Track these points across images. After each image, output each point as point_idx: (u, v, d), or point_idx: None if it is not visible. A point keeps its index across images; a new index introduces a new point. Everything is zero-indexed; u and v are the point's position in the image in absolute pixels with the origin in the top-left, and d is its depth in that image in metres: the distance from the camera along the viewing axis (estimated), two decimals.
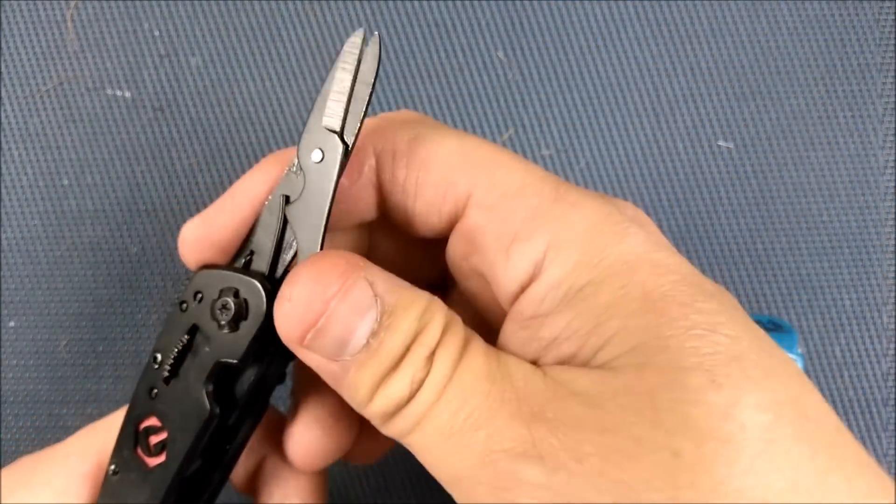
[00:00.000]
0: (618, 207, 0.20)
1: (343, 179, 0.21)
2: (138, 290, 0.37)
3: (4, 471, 0.24)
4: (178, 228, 0.37)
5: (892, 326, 0.37)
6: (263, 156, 0.37)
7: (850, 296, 0.37)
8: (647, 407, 0.16)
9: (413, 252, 0.24)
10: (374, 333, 0.18)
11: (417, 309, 0.18)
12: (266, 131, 0.37)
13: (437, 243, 0.22)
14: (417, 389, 0.18)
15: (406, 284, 0.19)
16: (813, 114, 0.38)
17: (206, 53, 0.38)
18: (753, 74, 0.38)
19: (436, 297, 0.19)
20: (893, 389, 0.37)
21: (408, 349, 0.18)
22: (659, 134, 0.38)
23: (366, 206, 0.22)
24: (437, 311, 0.18)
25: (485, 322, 0.22)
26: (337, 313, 0.18)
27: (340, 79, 0.20)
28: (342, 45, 0.20)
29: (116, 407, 0.24)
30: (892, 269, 0.37)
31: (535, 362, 0.19)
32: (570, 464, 0.16)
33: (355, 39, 0.20)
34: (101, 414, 0.24)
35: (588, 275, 0.18)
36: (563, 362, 0.18)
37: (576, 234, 0.19)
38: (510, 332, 0.20)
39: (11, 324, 0.37)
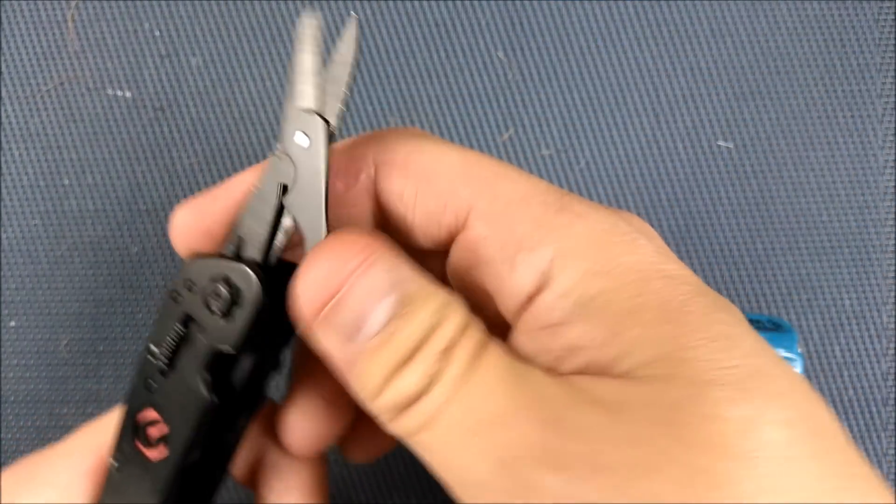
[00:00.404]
0: (624, 218, 0.19)
1: (338, 183, 0.21)
2: (139, 290, 0.37)
3: (6, 471, 0.24)
4: None
5: (892, 326, 0.37)
6: (264, 156, 0.38)
7: (849, 296, 0.37)
8: (669, 420, 0.16)
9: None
10: (389, 320, 0.17)
11: (437, 302, 0.18)
12: (266, 131, 0.38)
13: (435, 256, 0.22)
14: (431, 385, 0.17)
15: (429, 276, 0.18)
16: (813, 114, 0.38)
17: (207, 53, 0.38)
18: (753, 74, 0.38)
19: (456, 294, 0.18)
20: (893, 389, 0.37)
21: (424, 341, 0.17)
22: (659, 134, 0.38)
23: (362, 215, 0.22)
24: (458, 308, 0.18)
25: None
26: (356, 289, 0.18)
27: (301, 61, 0.20)
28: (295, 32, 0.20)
29: (117, 406, 0.24)
30: (892, 269, 0.37)
31: (548, 373, 0.19)
32: (589, 474, 0.16)
33: (305, 20, 0.20)
34: (101, 413, 0.24)
35: (599, 284, 0.18)
36: (579, 372, 0.18)
37: (583, 244, 0.18)
38: (519, 343, 0.19)
39: (12, 323, 0.37)
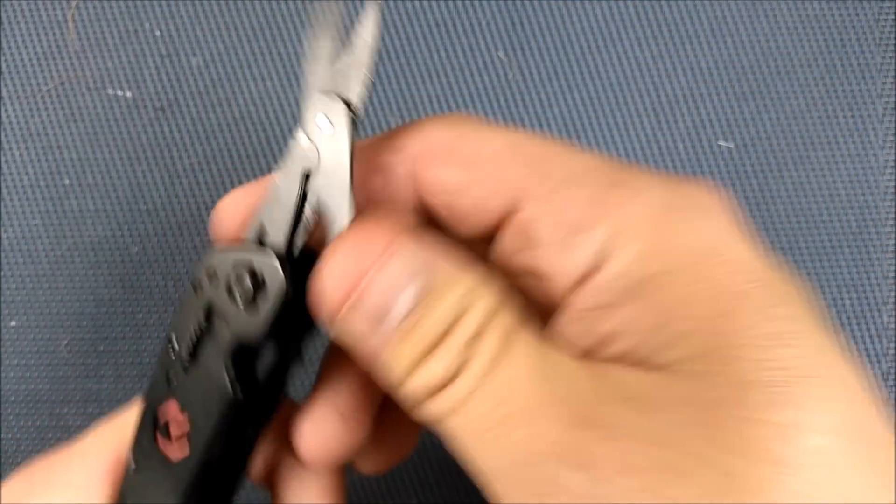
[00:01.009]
0: (688, 191, 0.18)
1: (376, 178, 0.21)
2: (139, 290, 0.37)
3: (22, 472, 0.23)
4: (179, 228, 0.37)
5: (892, 326, 0.37)
6: (265, 155, 0.38)
7: (850, 296, 0.37)
8: (705, 421, 0.15)
9: None
10: (413, 309, 0.17)
11: (462, 287, 0.17)
12: (267, 131, 0.38)
13: (480, 245, 0.21)
14: (458, 372, 0.17)
15: (455, 259, 0.18)
16: (813, 114, 0.38)
17: (208, 53, 0.38)
18: (753, 74, 0.38)
19: (488, 278, 0.18)
20: (893, 389, 0.37)
21: (450, 328, 0.17)
22: (659, 134, 0.38)
23: (401, 209, 0.21)
24: (484, 294, 0.17)
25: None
26: (379, 278, 0.17)
27: (319, 45, 0.19)
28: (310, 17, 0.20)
29: (118, 406, 0.24)
30: (892, 269, 0.38)
31: (587, 357, 0.18)
32: (616, 476, 0.15)
33: (323, 4, 0.19)
34: (102, 413, 0.23)
35: (654, 265, 0.17)
36: (618, 358, 0.17)
37: (640, 222, 0.17)
38: (563, 324, 0.19)
39: (13, 323, 0.37)
